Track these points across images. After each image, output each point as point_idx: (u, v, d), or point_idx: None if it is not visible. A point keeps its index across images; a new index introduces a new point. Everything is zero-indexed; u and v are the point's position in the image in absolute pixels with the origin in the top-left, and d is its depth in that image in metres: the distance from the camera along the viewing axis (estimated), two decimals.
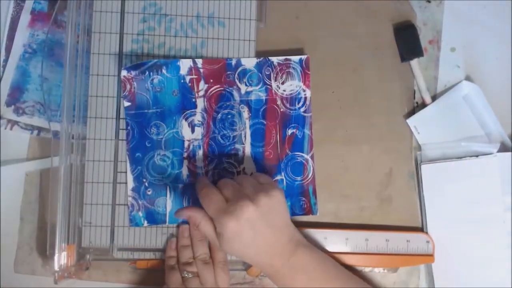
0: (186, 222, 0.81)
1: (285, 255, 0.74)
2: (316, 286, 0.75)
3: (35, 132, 0.83)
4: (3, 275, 0.83)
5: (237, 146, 0.82)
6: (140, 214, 0.81)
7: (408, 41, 0.85)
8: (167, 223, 0.82)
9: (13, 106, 0.83)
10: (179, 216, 0.78)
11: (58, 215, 0.77)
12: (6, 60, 0.83)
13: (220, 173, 0.82)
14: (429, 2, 0.88)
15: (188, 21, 0.83)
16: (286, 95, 0.83)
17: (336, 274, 0.77)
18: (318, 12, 0.86)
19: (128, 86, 0.80)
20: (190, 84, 0.81)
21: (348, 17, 0.87)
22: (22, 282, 0.83)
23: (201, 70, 0.81)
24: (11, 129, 0.83)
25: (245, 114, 0.82)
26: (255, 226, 0.71)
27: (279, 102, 0.82)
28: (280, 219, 0.74)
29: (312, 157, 0.83)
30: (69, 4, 0.79)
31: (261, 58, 0.82)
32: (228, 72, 0.82)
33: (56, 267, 0.77)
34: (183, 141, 0.81)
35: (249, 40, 0.84)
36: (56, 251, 0.77)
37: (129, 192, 0.81)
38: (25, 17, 0.83)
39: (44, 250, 0.80)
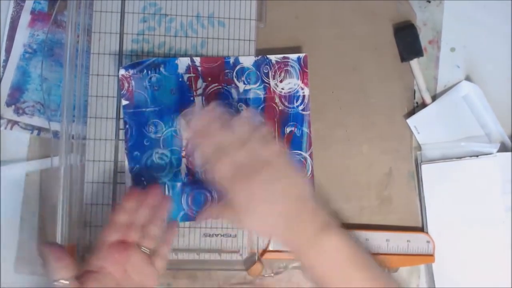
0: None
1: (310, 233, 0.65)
2: (344, 277, 0.65)
3: (35, 132, 0.84)
4: (3, 275, 0.83)
5: None
6: None
7: (408, 41, 0.85)
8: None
9: (13, 106, 0.83)
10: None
11: (58, 215, 0.77)
12: (6, 60, 0.83)
13: None
14: (429, 2, 0.88)
15: (188, 21, 0.83)
16: (284, 93, 0.83)
17: (369, 269, 0.66)
18: (317, 12, 0.86)
19: (126, 85, 0.81)
20: (188, 83, 0.81)
21: (348, 17, 0.87)
22: (22, 282, 0.83)
23: (199, 69, 0.81)
24: (11, 129, 0.83)
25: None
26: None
27: (277, 100, 0.82)
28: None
29: (310, 155, 0.83)
30: (69, 4, 0.79)
31: (259, 56, 0.82)
32: (226, 71, 0.82)
33: None
34: (182, 139, 0.82)
35: (249, 40, 0.84)
36: None
37: None
38: (25, 17, 0.84)
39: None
